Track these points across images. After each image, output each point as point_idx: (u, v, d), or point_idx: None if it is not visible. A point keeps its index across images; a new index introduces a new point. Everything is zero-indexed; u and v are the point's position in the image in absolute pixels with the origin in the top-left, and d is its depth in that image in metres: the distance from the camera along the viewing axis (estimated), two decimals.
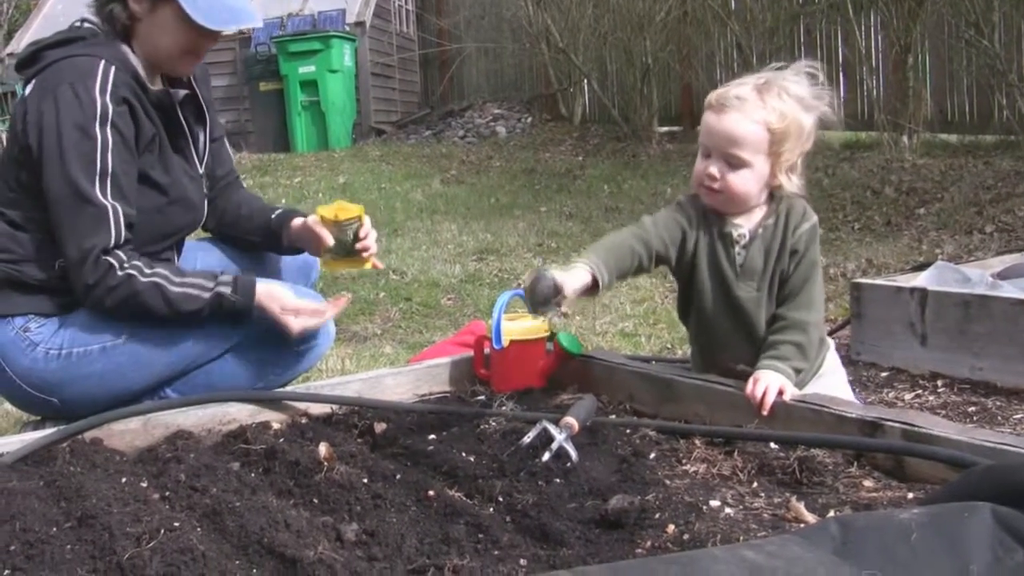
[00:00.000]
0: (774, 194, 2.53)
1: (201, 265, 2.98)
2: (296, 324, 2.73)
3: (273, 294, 2.73)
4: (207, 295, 2.66)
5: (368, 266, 2.94)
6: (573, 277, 2.33)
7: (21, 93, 2.73)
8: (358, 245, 2.87)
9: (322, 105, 12.25)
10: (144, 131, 2.72)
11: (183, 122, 2.88)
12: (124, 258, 2.62)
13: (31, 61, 2.73)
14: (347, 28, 12.98)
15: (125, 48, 2.74)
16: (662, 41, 11.30)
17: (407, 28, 15.94)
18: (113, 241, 2.60)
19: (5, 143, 2.85)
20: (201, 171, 2.97)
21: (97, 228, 2.59)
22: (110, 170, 2.60)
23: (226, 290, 2.67)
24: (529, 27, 12.71)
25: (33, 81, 2.68)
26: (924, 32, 9.14)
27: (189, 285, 2.65)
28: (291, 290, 2.80)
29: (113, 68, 2.65)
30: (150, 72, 2.79)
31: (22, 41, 14.16)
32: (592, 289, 2.39)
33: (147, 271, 2.62)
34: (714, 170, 2.46)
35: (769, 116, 2.39)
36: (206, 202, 2.99)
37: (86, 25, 2.79)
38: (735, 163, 2.43)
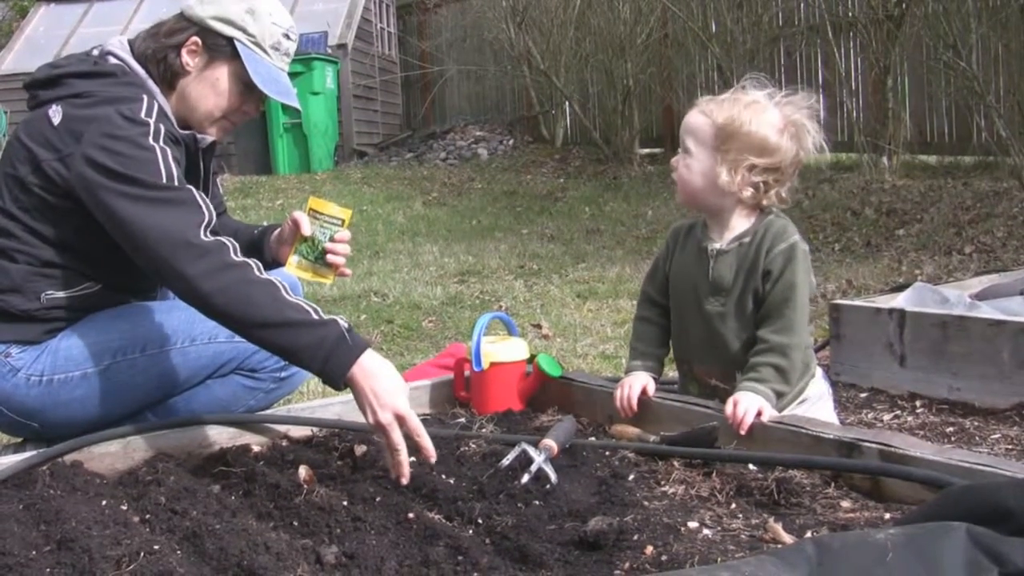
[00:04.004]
0: (763, 210, 2.60)
1: None
2: (387, 419, 2.22)
3: (382, 371, 2.28)
4: (318, 316, 2.32)
5: (330, 281, 2.85)
6: (638, 384, 2.64)
7: (42, 112, 2.59)
8: (327, 245, 2.75)
9: (304, 127, 12.28)
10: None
11: (200, 167, 2.84)
12: (238, 246, 2.43)
13: (51, 84, 2.66)
14: (329, 50, 13.03)
15: (156, 90, 2.69)
16: (643, 63, 11.39)
17: (389, 50, 16.02)
18: (207, 218, 2.44)
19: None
20: None
21: (188, 208, 2.43)
22: (175, 172, 2.50)
23: (344, 323, 2.33)
24: (511, 50, 12.80)
25: (55, 106, 2.60)
26: (903, 54, 9.21)
27: (304, 302, 2.37)
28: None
29: (156, 103, 2.61)
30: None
31: (4, 62, 14.16)
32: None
33: (262, 269, 2.42)
34: (674, 158, 2.64)
35: (718, 114, 2.51)
36: None
37: (112, 60, 2.70)
38: (685, 151, 2.59)
